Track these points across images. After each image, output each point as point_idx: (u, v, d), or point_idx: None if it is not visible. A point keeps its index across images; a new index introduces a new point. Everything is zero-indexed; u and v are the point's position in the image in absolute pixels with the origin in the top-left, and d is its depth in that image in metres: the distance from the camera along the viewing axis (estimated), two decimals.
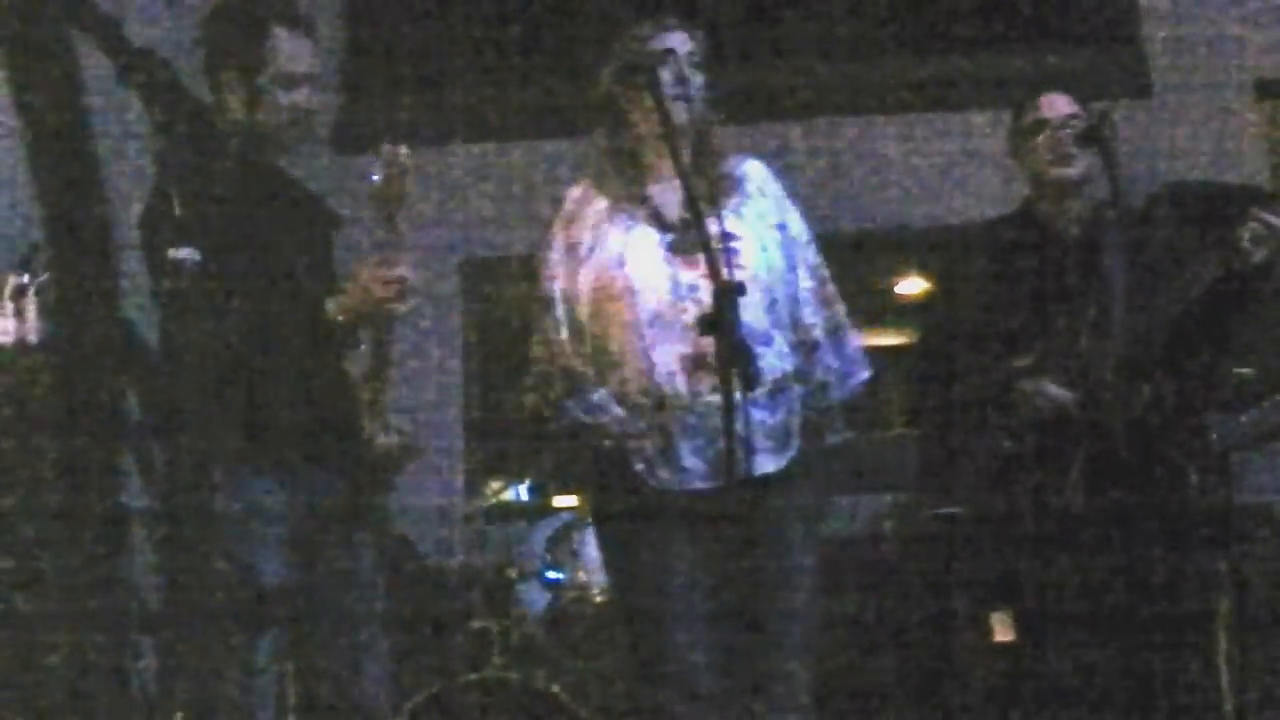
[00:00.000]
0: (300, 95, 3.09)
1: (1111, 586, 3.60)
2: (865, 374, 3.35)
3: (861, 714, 4.89)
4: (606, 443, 3.19)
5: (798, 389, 3.23)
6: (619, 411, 3.18)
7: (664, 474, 3.16)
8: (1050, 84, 3.97)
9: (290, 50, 3.07)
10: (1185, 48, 6.35)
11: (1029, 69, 6.18)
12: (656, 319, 3.16)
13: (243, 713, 2.97)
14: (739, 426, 2.92)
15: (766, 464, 3.14)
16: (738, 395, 2.81)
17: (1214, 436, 3.87)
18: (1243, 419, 4.08)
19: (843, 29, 6.62)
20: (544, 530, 5.09)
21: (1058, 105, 3.84)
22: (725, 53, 6.58)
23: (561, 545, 4.96)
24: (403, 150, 3.04)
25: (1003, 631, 3.71)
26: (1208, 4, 6.35)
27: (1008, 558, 3.72)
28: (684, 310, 3.14)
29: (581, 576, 4.82)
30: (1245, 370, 4.20)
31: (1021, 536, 3.66)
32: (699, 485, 3.15)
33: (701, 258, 3.10)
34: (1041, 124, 3.81)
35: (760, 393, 2.99)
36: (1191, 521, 3.75)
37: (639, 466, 3.17)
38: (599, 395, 3.20)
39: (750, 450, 3.03)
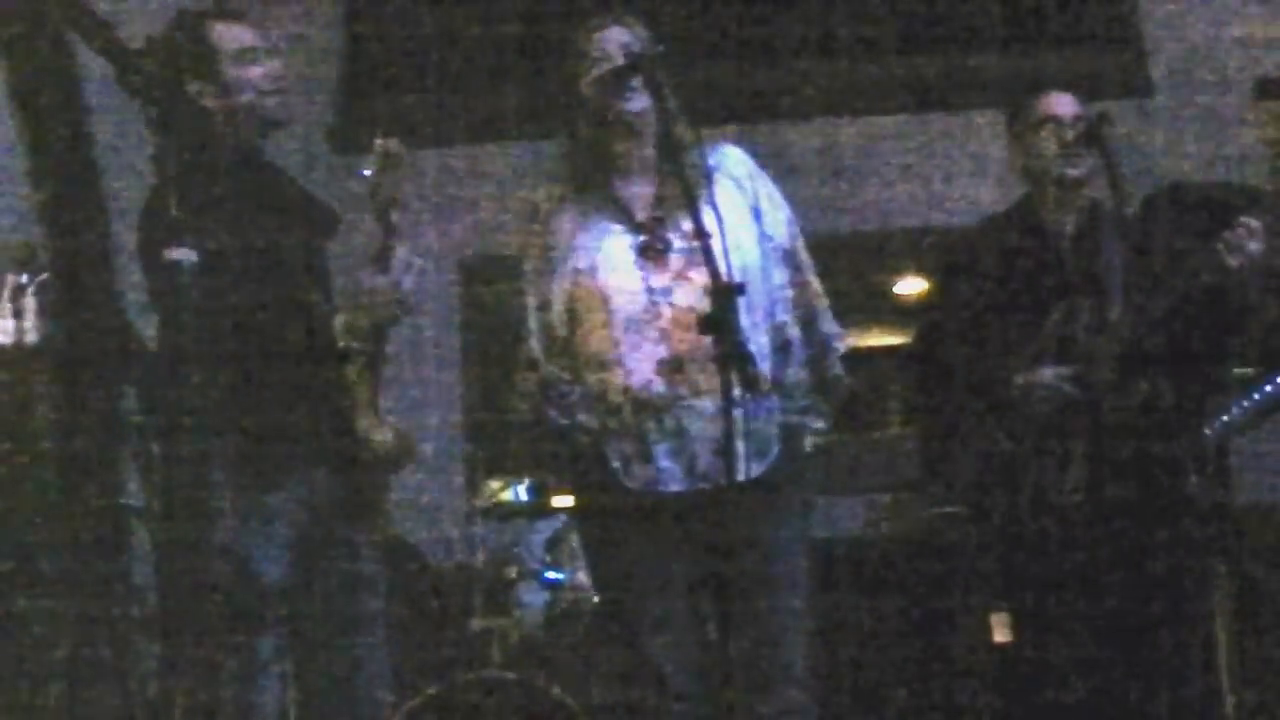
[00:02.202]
0: (262, 69, 3.17)
1: (1110, 585, 3.60)
2: (841, 345, 3.30)
3: (861, 714, 4.90)
4: (584, 438, 3.19)
5: (774, 396, 3.19)
6: (593, 412, 3.17)
7: (639, 475, 3.15)
8: (1050, 84, 3.97)
9: (232, 35, 3.18)
10: (1185, 48, 6.35)
11: (1029, 69, 6.19)
12: (630, 324, 3.14)
13: (243, 713, 2.97)
14: (718, 431, 2.94)
15: (743, 470, 3.05)
16: (736, 393, 2.81)
17: (1207, 432, 3.87)
18: (1234, 410, 4.08)
19: (842, 29, 6.63)
20: (543, 530, 5.09)
21: (1065, 104, 3.83)
22: (725, 53, 6.66)
23: (561, 545, 4.97)
24: (394, 142, 3.09)
25: (1001, 632, 3.71)
26: (1208, 4, 6.35)
27: (1007, 557, 3.72)
28: (658, 315, 3.13)
29: (581, 577, 4.82)
30: (1246, 370, 4.20)
31: (1020, 535, 3.67)
32: (674, 487, 3.14)
33: (672, 259, 3.14)
34: (1047, 120, 3.80)
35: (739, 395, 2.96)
36: (1190, 520, 3.75)
37: (615, 464, 3.16)
38: (575, 394, 3.20)
39: (727, 458, 2.99)
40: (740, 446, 2.98)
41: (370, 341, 3.11)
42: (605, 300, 3.16)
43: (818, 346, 3.29)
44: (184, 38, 3.15)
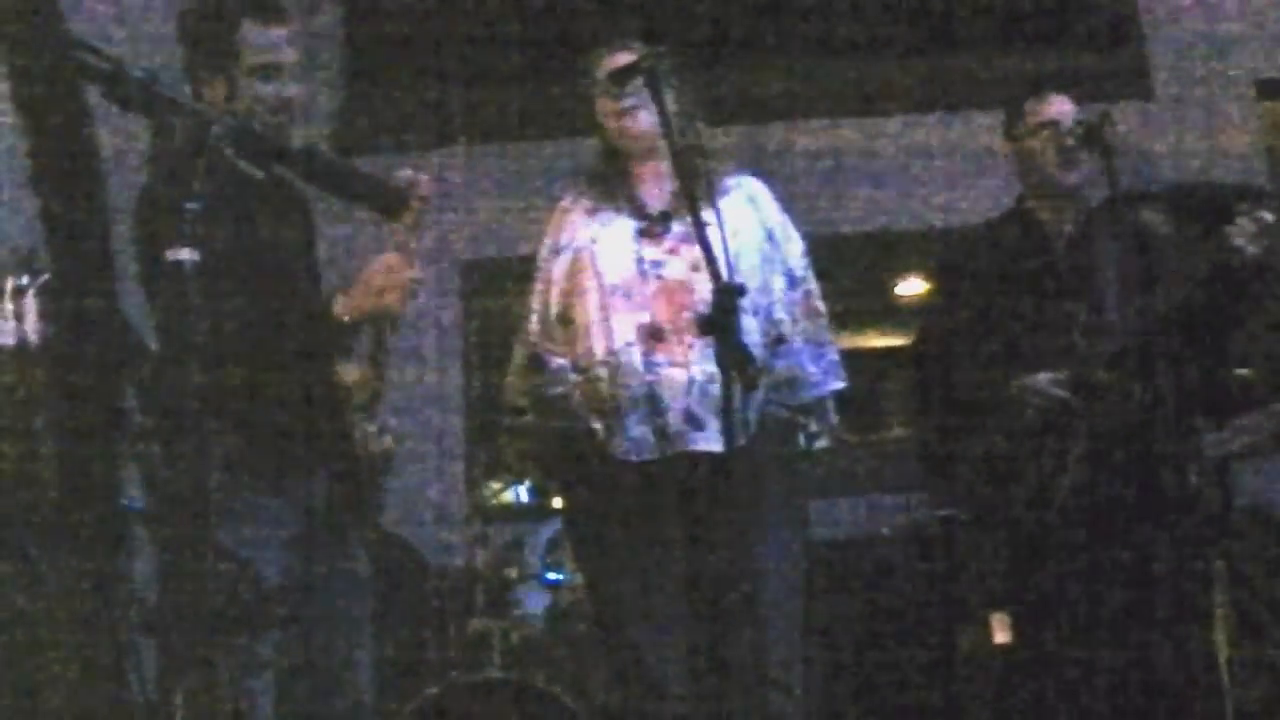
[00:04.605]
0: (277, 86, 3.03)
1: (1109, 586, 3.60)
2: (838, 385, 3.39)
3: (861, 714, 4.90)
4: (575, 411, 3.26)
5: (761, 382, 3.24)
6: (576, 378, 3.27)
7: (616, 444, 3.22)
8: (1050, 84, 3.96)
9: (261, 42, 3.01)
10: (1185, 48, 6.35)
11: (1029, 69, 6.18)
12: (618, 289, 3.24)
13: (243, 713, 2.97)
14: (690, 402, 3.08)
15: (711, 442, 3.14)
16: (712, 370, 2.87)
17: (1205, 444, 3.87)
18: (1235, 425, 4.08)
19: (842, 29, 6.62)
20: (544, 531, 5.10)
21: (1063, 107, 3.82)
22: (726, 54, 6.66)
23: (561, 546, 4.96)
24: (424, 178, 3.00)
25: (1002, 632, 3.71)
26: (1208, 4, 6.35)
27: (1007, 558, 3.72)
28: (645, 283, 3.23)
29: (581, 577, 4.82)
30: (1245, 371, 4.20)
31: (1020, 536, 3.67)
32: (646, 455, 3.20)
33: (667, 238, 3.27)
34: (1045, 125, 3.80)
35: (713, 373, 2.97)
36: (1190, 520, 3.75)
37: (596, 427, 3.23)
38: (558, 364, 3.29)
39: (697, 425, 3.13)
40: (713, 419, 3.09)
41: (370, 332, 3.06)
42: (597, 270, 3.27)
43: (822, 371, 3.36)
44: (210, 30, 3.01)
